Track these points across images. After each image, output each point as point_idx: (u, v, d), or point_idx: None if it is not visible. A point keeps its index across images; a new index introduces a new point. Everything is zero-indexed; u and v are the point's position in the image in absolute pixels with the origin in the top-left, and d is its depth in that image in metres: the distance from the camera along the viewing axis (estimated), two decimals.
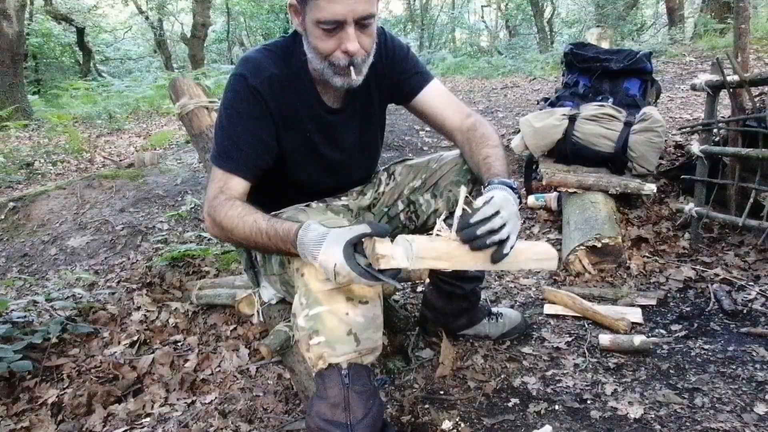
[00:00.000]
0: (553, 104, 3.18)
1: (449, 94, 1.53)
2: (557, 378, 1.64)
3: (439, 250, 1.09)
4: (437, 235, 1.12)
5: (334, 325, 1.12)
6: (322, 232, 1.09)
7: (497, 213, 1.09)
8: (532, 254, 1.22)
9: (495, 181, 1.25)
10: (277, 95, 1.30)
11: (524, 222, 2.96)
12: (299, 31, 1.29)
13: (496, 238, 1.08)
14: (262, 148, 1.31)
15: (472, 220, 1.08)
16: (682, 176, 2.53)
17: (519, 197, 1.24)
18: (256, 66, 1.29)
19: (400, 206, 1.58)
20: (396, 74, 1.46)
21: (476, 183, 1.48)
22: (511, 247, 1.11)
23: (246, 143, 1.28)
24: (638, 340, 1.70)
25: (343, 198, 1.57)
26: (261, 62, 1.30)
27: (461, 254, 1.10)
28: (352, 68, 1.24)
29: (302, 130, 1.37)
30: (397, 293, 2.28)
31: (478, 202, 1.14)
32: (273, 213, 1.31)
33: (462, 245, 1.10)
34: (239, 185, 1.28)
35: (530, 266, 1.25)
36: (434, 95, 1.49)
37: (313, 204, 1.46)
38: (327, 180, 1.49)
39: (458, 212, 1.11)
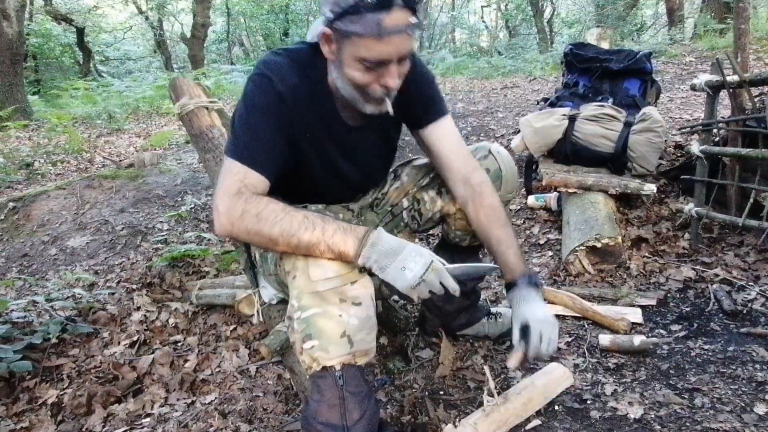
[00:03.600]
0: (552, 104, 3.18)
1: (461, 138, 1.47)
2: None
3: (497, 422, 1.35)
4: (488, 403, 1.37)
5: (327, 328, 1.10)
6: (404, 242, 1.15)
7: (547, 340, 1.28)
8: (554, 384, 1.50)
9: (519, 282, 1.37)
10: (299, 106, 1.25)
11: (524, 222, 2.96)
12: (329, 59, 1.24)
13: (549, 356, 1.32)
14: (279, 150, 1.23)
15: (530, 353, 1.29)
16: (682, 176, 2.52)
17: (539, 284, 1.39)
18: (280, 71, 1.23)
19: (405, 204, 1.59)
20: (416, 96, 1.39)
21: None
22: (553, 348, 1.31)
23: (268, 140, 1.20)
24: (638, 340, 1.70)
25: None
26: (285, 68, 1.23)
27: (512, 414, 1.38)
28: (386, 98, 1.23)
29: (320, 144, 1.33)
30: None
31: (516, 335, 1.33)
32: None
33: (508, 405, 1.38)
34: (260, 184, 1.18)
35: (556, 393, 1.51)
36: (446, 133, 1.44)
37: (311, 206, 1.45)
38: (343, 190, 1.48)
39: (491, 386, 1.37)
